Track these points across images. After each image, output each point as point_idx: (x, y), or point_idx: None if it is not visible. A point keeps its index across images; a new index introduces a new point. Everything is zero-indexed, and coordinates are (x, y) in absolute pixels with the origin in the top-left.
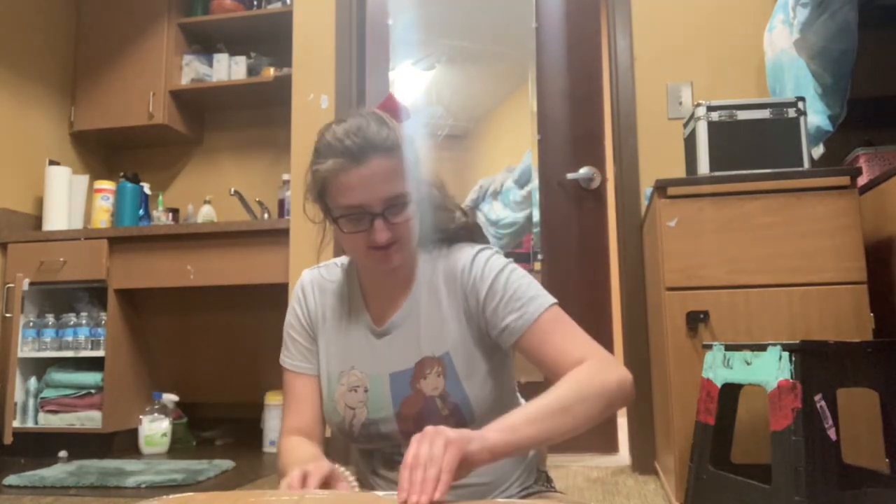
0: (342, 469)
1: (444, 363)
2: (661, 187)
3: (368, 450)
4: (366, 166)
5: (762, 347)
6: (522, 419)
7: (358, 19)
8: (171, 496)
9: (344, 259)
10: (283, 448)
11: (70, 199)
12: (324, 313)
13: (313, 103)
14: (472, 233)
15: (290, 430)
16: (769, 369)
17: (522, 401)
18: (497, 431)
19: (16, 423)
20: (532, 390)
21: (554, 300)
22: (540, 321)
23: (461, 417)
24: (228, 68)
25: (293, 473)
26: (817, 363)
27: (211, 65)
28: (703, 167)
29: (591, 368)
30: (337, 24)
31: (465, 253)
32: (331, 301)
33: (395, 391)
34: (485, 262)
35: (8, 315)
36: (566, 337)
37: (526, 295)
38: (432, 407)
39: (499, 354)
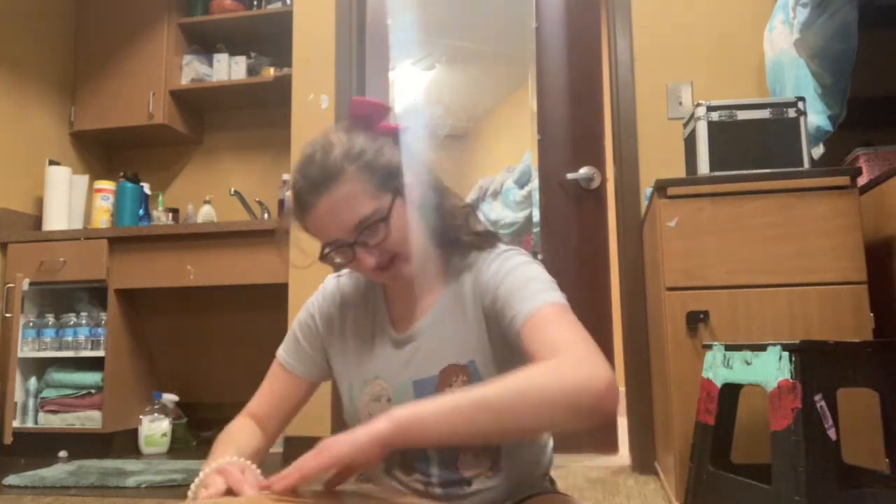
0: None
1: (470, 371)
2: (661, 187)
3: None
4: (318, 207)
5: (762, 347)
6: (432, 413)
7: (358, 19)
8: None
9: None
10: (231, 427)
11: (70, 199)
12: (343, 321)
13: (313, 103)
14: (491, 238)
15: (248, 411)
16: (769, 369)
17: None
18: (393, 423)
19: (16, 423)
20: None
21: (560, 300)
22: (536, 315)
23: None
24: (228, 68)
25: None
26: (817, 363)
27: (211, 65)
28: (703, 167)
29: (546, 366)
30: (337, 24)
31: (489, 255)
32: (353, 309)
33: (420, 399)
34: (503, 260)
35: (8, 315)
36: (553, 333)
37: (533, 288)
38: None
39: (518, 357)
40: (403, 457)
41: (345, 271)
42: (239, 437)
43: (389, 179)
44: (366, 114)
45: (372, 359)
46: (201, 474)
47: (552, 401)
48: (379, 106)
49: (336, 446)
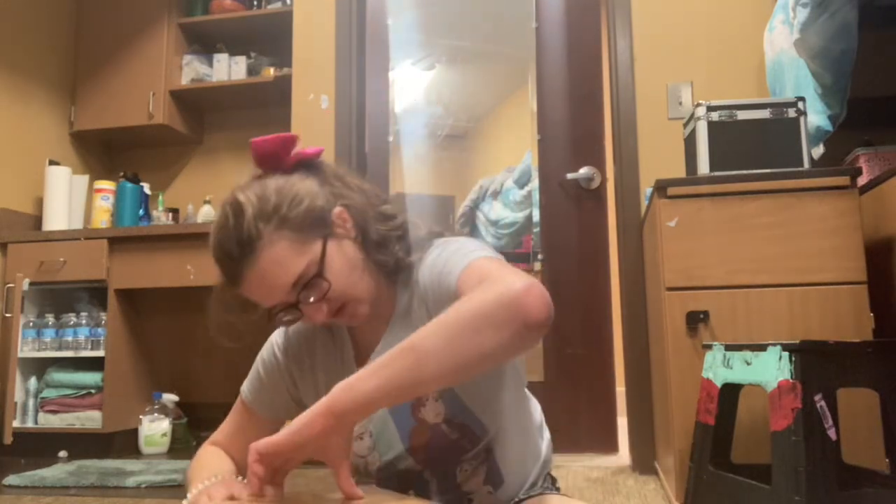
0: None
1: None
2: (661, 187)
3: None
4: (245, 278)
5: (762, 347)
6: (360, 374)
7: (358, 19)
8: None
9: None
10: (203, 453)
11: (70, 199)
12: (312, 359)
13: (313, 103)
14: (431, 238)
15: (213, 441)
16: (769, 369)
17: (534, 400)
18: (326, 397)
19: (16, 423)
20: (532, 390)
21: (493, 255)
22: (467, 268)
23: (473, 436)
24: (228, 68)
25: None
26: (817, 363)
27: (211, 65)
28: (703, 167)
29: (464, 297)
30: (337, 24)
31: (424, 257)
32: (322, 346)
33: (400, 425)
34: (433, 253)
35: (8, 315)
36: (482, 274)
37: (462, 253)
38: (439, 433)
39: None
40: (400, 480)
41: None
42: (220, 463)
43: (315, 225)
44: (270, 153)
45: None
46: (194, 491)
47: (471, 322)
48: (281, 140)
49: (285, 429)
